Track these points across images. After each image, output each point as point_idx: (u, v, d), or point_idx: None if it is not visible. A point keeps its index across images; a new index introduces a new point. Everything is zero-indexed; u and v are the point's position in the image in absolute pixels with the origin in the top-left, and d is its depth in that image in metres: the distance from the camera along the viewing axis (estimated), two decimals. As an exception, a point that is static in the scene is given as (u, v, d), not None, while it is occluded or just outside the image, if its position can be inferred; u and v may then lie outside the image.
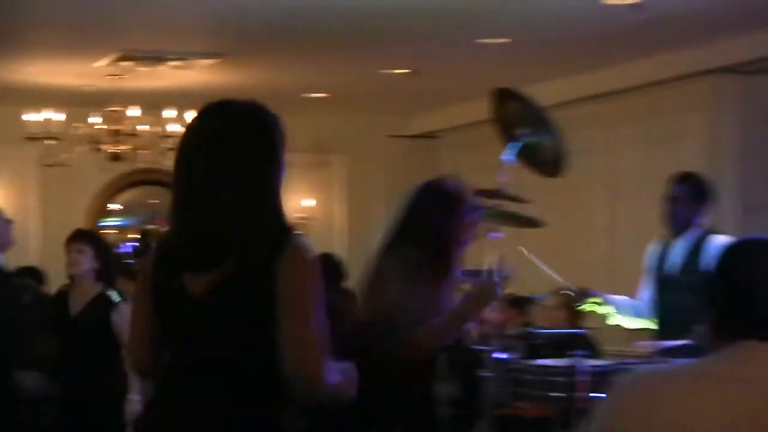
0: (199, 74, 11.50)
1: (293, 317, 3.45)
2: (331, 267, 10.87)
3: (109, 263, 7.78)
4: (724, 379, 2.83)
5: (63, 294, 7.94)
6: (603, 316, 7.59)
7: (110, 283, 7.67)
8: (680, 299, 6.93)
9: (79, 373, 7.69)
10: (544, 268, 8.04)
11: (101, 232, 13.83)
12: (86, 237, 7.83)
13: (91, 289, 7.60)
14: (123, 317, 7.16)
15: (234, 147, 3.66)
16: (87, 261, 7.52)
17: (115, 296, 7.60)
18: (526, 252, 7.40)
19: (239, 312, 3.54)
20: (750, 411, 2.74)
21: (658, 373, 3.14)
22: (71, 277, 7.75)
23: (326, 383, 3.47)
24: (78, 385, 7.70)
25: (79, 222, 13.56)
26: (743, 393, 2.78)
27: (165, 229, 3.96)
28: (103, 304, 7.56)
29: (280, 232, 3.54)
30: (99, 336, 7.54)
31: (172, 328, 3.67)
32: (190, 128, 3.82)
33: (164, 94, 11.94)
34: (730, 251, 3.05)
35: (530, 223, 7.44)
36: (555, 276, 8.05)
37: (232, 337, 3.57)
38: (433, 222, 5.85)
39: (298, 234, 3.57)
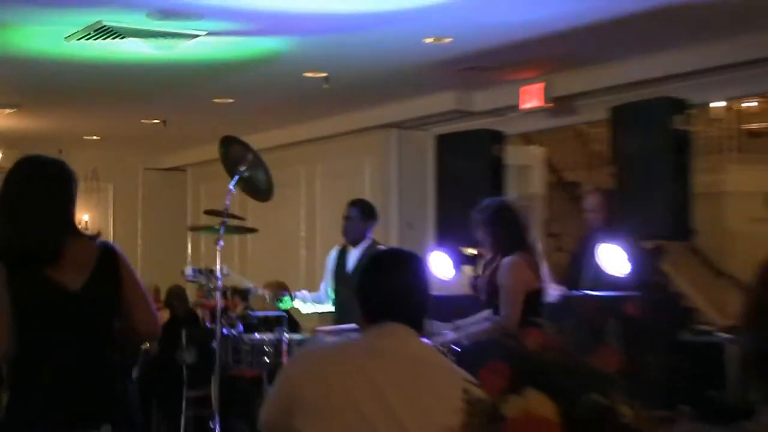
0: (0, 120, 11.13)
1: (137, 294, 3.79)
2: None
3: None
4: (369, 350, 2.92)
5: None
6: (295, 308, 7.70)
7: None
8: (352, 293, 7.05)
9: None
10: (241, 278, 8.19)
11: None
12: None
13: None
14: None
15: (35, 188, 3.77)
16: None
17: None
18: (226, 270, 7.42)
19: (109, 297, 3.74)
20: (386, 372, 2.83)
21: (327, 345, 3.21)
22: None
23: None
24: None
25: None
26: (379, 360, 2.86)
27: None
28: None
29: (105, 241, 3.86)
30: None
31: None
32: (19, 172, 3.83)
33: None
34: (373, 260, 3.16)
35: (247, 230, 7.51)
36: (249, 283, 8.22)
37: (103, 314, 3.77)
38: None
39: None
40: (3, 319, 3.51)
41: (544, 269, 6.30)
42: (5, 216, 3.67)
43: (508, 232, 6.08)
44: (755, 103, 10.38)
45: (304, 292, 7.84)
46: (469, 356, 5.38)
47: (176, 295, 10.98)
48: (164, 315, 10.77)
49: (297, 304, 7.73)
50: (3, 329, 3.51)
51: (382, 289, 2.99)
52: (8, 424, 3.58)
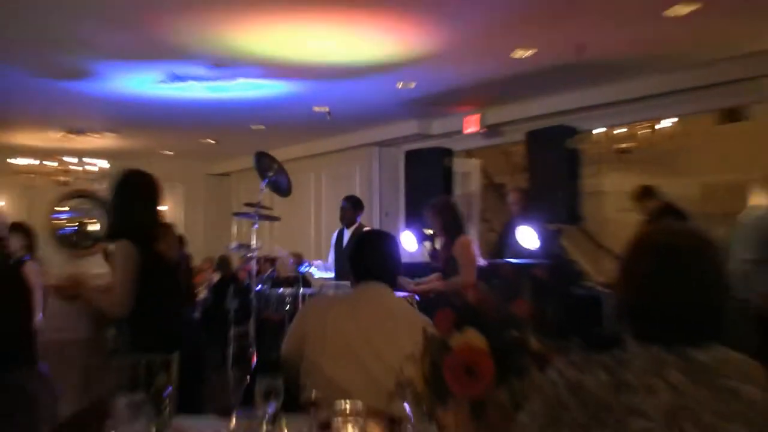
0: (105, 140, 11.06)
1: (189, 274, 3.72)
2: (175, 238, 10.64)
3: (31, 241, 6.45)
4: (357, 300, 2.90)
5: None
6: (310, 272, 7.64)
7: (32, 251, 6.36)
8: (346, 261, 7.03)
9: None
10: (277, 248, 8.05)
11: (53, 221, 13.34)
12: (16, 227, 6.41)
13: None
14: (27, 269, 6.34)
15: (141, 191, 3.81)
16: (16, 241, 6.14)
17: (25, 257, 6.17)
18: (259, 244, 7.36)
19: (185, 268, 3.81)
20: (368, 316, 2.82)
21: (328, 297, 3.18)
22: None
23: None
24: None
25: (44, 215, 12.99)
26: (364, 307, 2.85)
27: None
28: (17, 263, 6.50)
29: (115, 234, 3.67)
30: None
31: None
32: (122, 179, 3.84)
33: (88, 150, 11.47)
34: (360, 237, 3.13)
35: (273, 218, 7.44)
36: (281, 251, 8.10)
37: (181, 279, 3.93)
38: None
39: (122, 238, 3.60)
40: (132, 285, 3.52)
41: (476, 245, 6.28)
42: (117, 209, 3.71)
43: (451, 220, 6.05)
44: (624, 130, 10.37)
45: (319, 262, 7.80)
46: (429, 305, 5.38)
47: (223, 262, 10.98)
48: (216, 276, 10.73)
49: (312, 270, 7.66)
50: (131, 293, 3.52)
51: (367, 258, 2.97)
52: (124, 350, 3.58)
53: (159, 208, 3.83)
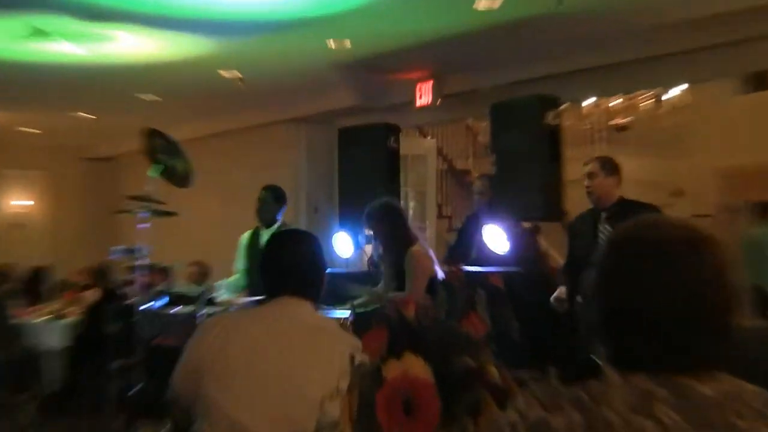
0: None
1: None
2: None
3: None
4: (269, 320, 2.89)
5: None
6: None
7: None
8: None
9: None
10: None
11: None
12: None
13: None
14: None
15: None
16: None
17: None
18: (146, 249, 7.28)
19: None
20: (283, 340, 2.80)
21: (230, 316, 3.16)
22: None
23: None
24: None
25: None
26: (277, 328, 2.84)
27: None
28: None
29: None
30: None
31: None
32: None
33: None
34: (272, 239, 3.13)
35: (167, 214, 7.37)
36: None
37: None
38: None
39: None
40: None
41: (432, 253, 6.27)
42: None
43: (397, 228, 6.04)
44: (620, 101, 10.56)
45: (223, 282, 7.72)
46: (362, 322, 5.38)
47: (100, 273, 10.74)
48: (95, 293, 10.45)
49: (216, 293, 7.55)
50: None
51: (282, 266, 2.96)
52: None
53: None
